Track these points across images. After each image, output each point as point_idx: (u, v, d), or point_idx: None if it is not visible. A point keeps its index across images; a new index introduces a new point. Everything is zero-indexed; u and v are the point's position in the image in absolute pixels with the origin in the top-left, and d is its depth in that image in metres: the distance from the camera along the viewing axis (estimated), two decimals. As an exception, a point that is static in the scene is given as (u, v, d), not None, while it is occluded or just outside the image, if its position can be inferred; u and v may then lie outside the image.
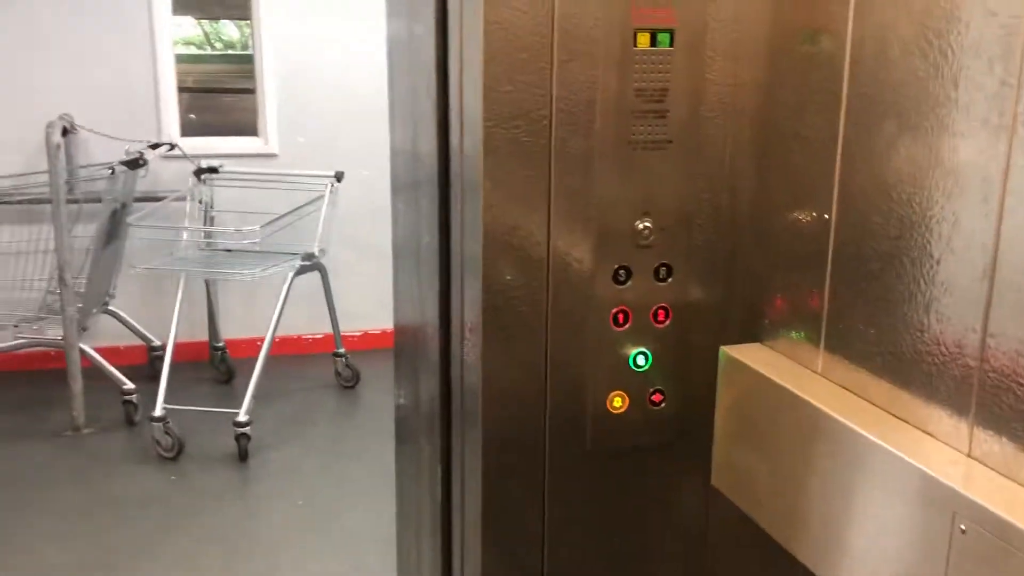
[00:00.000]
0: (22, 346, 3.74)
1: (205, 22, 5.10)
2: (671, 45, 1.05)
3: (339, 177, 3.74)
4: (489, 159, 1.03)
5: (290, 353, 4.31)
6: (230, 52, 5.31)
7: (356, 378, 4.11)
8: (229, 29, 5.31)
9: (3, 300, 3.79)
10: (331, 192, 3.71)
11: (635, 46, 1.04)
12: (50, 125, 3.36)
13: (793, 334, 1.05)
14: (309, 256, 3.66)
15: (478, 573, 1.15)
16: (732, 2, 1.06)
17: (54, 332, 3.61)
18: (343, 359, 4.11)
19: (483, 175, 1.04)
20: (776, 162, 1.07)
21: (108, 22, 3.96)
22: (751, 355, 1.05)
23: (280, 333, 3.67)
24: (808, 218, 1.02)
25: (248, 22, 4.30)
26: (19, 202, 3.79)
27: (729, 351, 1.08)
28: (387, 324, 5.06)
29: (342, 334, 4.11)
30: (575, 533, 1.15)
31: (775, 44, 1.06)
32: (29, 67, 3.91)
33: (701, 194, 1.10)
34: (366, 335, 4.48)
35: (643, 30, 1.04)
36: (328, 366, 4.16)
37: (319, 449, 3.53)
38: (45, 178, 3.52)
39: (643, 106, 1.06)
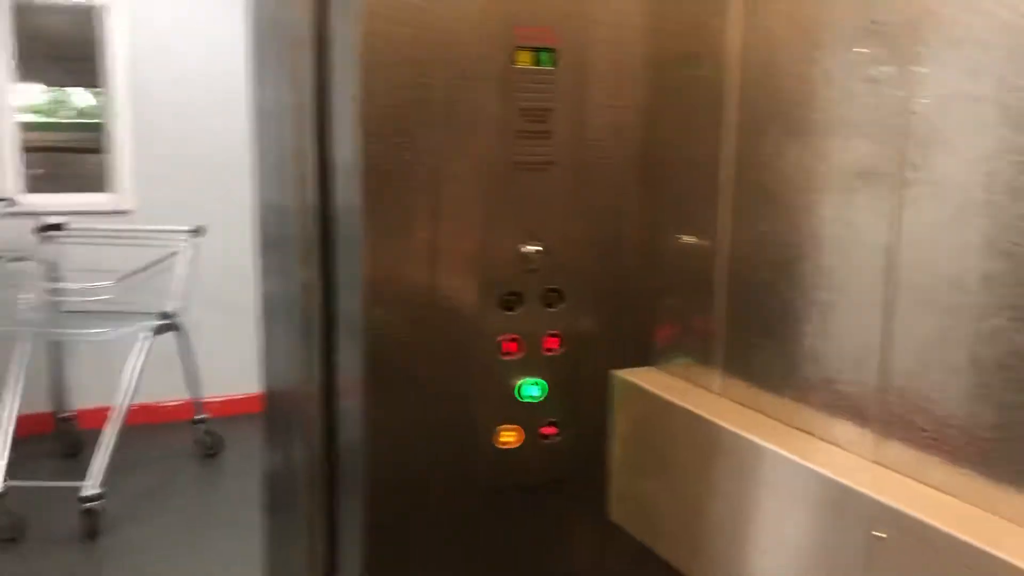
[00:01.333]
0: None
1: (55, 89, 4.83)
2: (554, 65, 1.03)
3: (198, 231, 3.56)
4: (368, 187, 0.97)
5: (145, 422, 4.03)
6: (81, 121, 5.04)
7: (219, 446, 3.87)
8: (79, 96, 5.05)
9: None
10: (188, 247, 3.53)
11: (516, 64, 1.02)
12: None
13: (687, 356, 1.02)
14: (166, 315, 3.45)
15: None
16: (613, 24, 1.05)
17: None
18: (204, 426, 3.87)
19: (361, 206, 0.97)
20: (661, 183, 1.06)
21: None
22: (646, 378, 1.02)
23: (135, 400, 3.43)
24: (696, 239, 1.01)
25: (97, 89, 4.11)
26: None
27: (623, 375, 1.04)
28: (251, 388, 4.80)
29: (203, 400, 3.88)
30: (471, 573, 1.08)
31: (655, 66, 1.05)
32: None
33: (587, 216, 1.07)
34: (228, 400, 4.25)
35: (524, 48, 1.02)
36: (188, 434, 3.91)
37: (180, 522, 3.29)
38: None
39: (526, 126, 1.03)
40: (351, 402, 1.07)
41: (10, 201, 3.67)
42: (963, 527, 0.63)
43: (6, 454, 3.12)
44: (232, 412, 4.29)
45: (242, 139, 4.41)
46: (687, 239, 1.02)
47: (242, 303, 4.06)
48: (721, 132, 0.95)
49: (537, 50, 1.02)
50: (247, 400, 4.23)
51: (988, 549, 0.60)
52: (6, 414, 3.21)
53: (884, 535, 0.68)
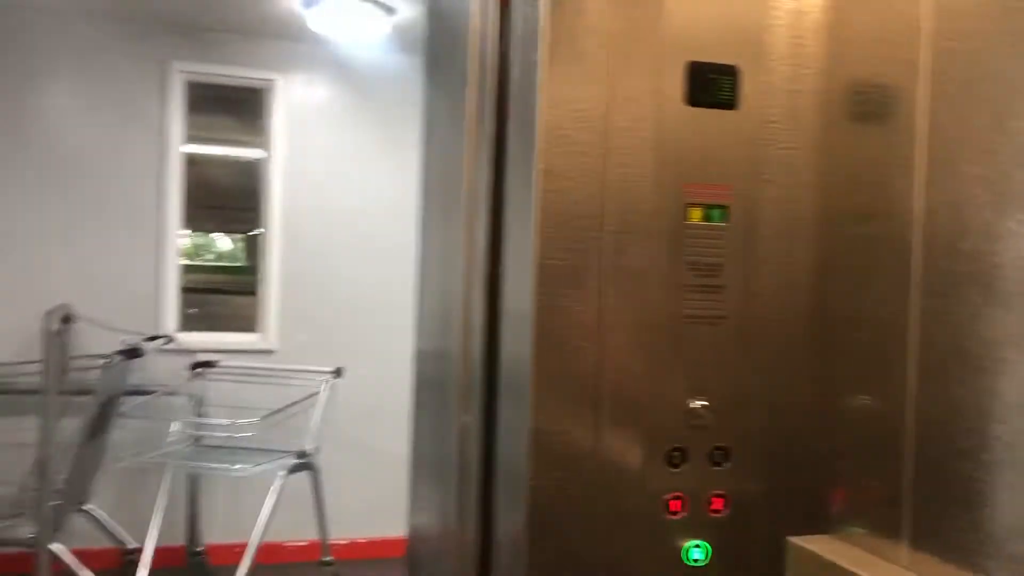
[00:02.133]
0: (-12, 546, 3.51)
1: (199, 235, 5.20)
2: (725, 221, 1.04)
3: (338, 373, 3.68)
4: (538, 341, 0.98)
5: (270, 562, 4.06)
6: (222, 264, 5.39)
7: (341, 589, 3.85)
8: (222, 242, 5.43)
9: (-25, 496, 3.59)
10: (327, 388, 3.64)
11: (687, 220, 1.03)
12: (49, 313, 3.33)
13: (867, 525, 0.96)
14: (302, 454, 3.53)
15: None
16: (784, 184, 1.05)
17: (25, 530, 3.39)
18: (331, 568, 3.86)
19: (532, 361, 0.99)
20: (836, 342, 1.03)
21: (116, 219, 4.03)
22: (825, 548, 0.96)
23: (264, 539, 3.47)
24: (876, 400, 0.96)
25: (243, 236, 4.41)
26: (6, 392, 3.69)
27: (800, 543, 0.99)
28: (378, 532, 4.78)
29: (330, 542, 3.89)
30: None
31: (828, 223, 1.05)
32: (35, 259, 3.94)
33: (757, 372, 1.05)
34: (354, 543, 4.25)
35: (695, 205, 1.03)
36: (314, 575, 3.91)
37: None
38: (34, 368, 3.44)
39: (696, 280, 1.03)
40: (509, 557, 1.04)
41: (169, 339, 3.90)
42: None
43: (142, 587, 3.18)
44: (358, 555, 4.28)
45: (379, 285, 4.58)
46: (866, 400, 0.98)
47: (372, 444, 4.14)
48: (905, 291, 0.92)
49: (708, 207, 1.03)
50: (372, 544, 4.22)
51: None
52: (149, 549, 3.30)
53: None
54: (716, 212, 1.04)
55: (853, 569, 0.88)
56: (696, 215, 1.03)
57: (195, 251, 5.19)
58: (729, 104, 1.03)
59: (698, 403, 1.03)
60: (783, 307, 1.05)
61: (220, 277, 5.22)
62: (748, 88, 1.04)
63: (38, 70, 4.00)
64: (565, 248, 0.99)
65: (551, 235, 0.98)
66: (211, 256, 5.26)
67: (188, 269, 4.43)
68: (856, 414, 0.98)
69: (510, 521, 1.05)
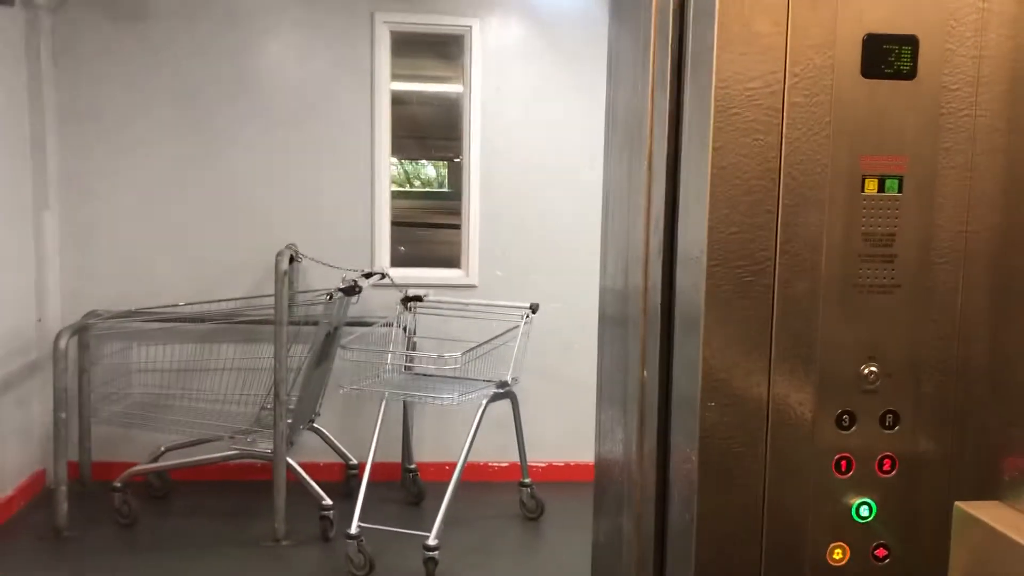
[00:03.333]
0: (234, 457, 4.00)
1: (407, 163, 5.52)
2: (900, 191, 1.05)
3: (534, 309, 3.85)
4: (710, 299, 1.05)
5: (475, 480, 4.36)
6: (430, 191, 5.70)
7: (540, 510, 4.09)
8: (427, 169, 5.72)
9: (221, 412, 4.09)
10: (526, 323, 3.83)
11: (863, 191, 1.05)
12: (279, 253, 3.69)
13: (1038, 494, 0.98)
14: (503, 384, 3.75)
15: None
16: (965, 150, 1.05)
17: (264, 445, 3.85)
18: (529, 490, 4.11)
19: (704, 314, 1.06)
20: (1016, 311, 1.03)
21: (332, 160, 4.36)
22: (992, 514, 0.98)
23: (468, 459, 3.74)
24: (1055, 370, 0.97)
25: (445, 163, 4.61)
26: (245, 322, 4.14)
27: (966, 508, 1.01)
28: (572, 456, 5.00)
29: (528, 465, 4.13)
30: None
31: (1014, 191, 1.03)
32: (262, 199, 4.34)
33: (930, 341, 1.07)
34: (550, 466, 4.48)
35: (871, 176, 1.05)
36: (512, 495, 4.18)
37: (501, 580, 3.51)
38: (269, 301, 3.84)
39: (870, 250, 1.06)
40: (683, 486, 1.13)
41: (383, 275, 4.21)
42: None
43: (361, 500, 3.54)
44: (553, 478, 4.52)
45: (571, 223, 4.68)
46: (1044, 371, 0.98)
47: (567, 375, 4.32)
48: (1086, 264, 0.91)
49: (884, 177, 1.05)
50: (567, 468, 4.44)
51: None
52: (368, 465, 3.65)
53: None
54: (891, 182, 1.05)
55: (1013, 536, 0.91)
56: (871, 186, 1.05)
57: (404, 178, 5.49)
58: (908, 74, 1.03)
59: (870, 369, 1.07)
60: (960, 276, 1.06)
61: (427, 204, 5.52)
62: (927, 57, 1.03)
63: (260, 29, 4.35)
64: (737, 222, 1.04)
65: (723, 212, 1.04)
66: (418, 183, 5.56)
67: (397, 195, 4.72)
68: (1032, 385, 0.99)
69: (683, 455, 1.13)
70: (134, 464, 4.07)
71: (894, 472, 1.07)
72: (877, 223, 1.05)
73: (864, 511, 1.07)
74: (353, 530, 3.47)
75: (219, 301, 4.21)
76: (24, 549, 3.68)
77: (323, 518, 3.81)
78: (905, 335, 1.06)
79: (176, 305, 4.19)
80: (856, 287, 1.06)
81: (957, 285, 1.06)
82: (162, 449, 4.13)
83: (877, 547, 1.08)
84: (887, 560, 1.07)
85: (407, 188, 5.59)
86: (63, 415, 3.76)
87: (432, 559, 3.43)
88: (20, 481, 4.12)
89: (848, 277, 1.06)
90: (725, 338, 1.06)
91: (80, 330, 4.09)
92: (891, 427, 1.07)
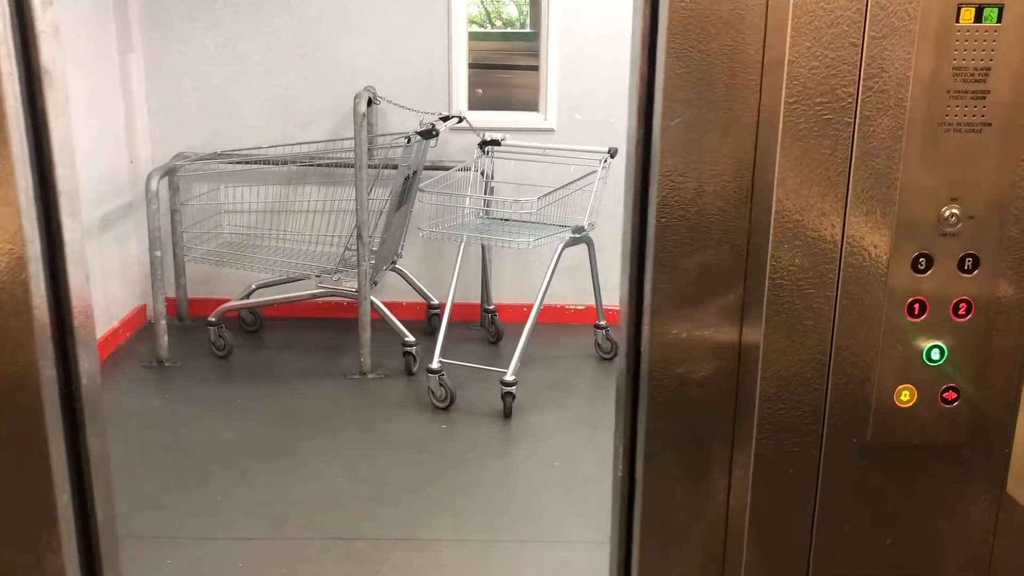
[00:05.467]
0: (321, 295, 4.17)
1: (487, 1, 5.36)
2: (998, 21, 0.98)
3: (612, 153, 3.80)
4: (786, 137, 1.02)
5: (552, 321, 4.46)
6: (510, 31, 5.55)
7: (615, 350, 4.18)
8: (509, 8, 5.54)
9: (308, 252, 4.24)
10: (604, 168, 3.78)
11: (957, 21, 0.99)
12: (357, 96, 3.70)
13: (1120, 340, 0.95)
14: (579, 229, 3.76)
15: (741, 562, 1.16)
16: (1075, -26, 0.97)
17: (349, 284, 3.99)
18: (604, 331, 4.19)
19: (779, 154, 1.03)
20: (1115, 150, 0.97)
21: (409, 2, 4.27)
22: (1067, 359, 0.97)
23: (545, 301, 3.81)
24: None
25: (528, 2, 4.46)
26: (326, 165, 4.21)
27: (1041, 352, 1.00)
28: (649, 300, 5.01)
29: (604, 307, 4.19)
30: (846, 530, 1.13)
31: (1126, 19, 0.96)
32: (339, 43, 4.31)
33: (1018, 182, 1.02)
34: (627, 310, 4.55)
35: (968, 5, 0.98)
36: (588, 337, 4.27)
37: (577, 417, 3.65)
38: (349, 144, 3.88)
39: (960, 86, 1.00)
40: (751, 324, 1.13)
41: (461, 118, 4.19)
42: None
43: (442, 338, 3.67)
44: (628, 321, 4.58)
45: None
46: None
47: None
48: None
49: (982, 6, 0.98)
50: (643, 312, 4.49)
51: None
52: (448, 305, 3.76)
53: None
54: (990, 11, 0.98)
55: (1086, 382, 0.90)
56: (967, 15, 0.99)
57: (486, 18, 5.35)
58: None
59: (952, 211, 1.03)
60: (1057, 112, 1.00)
61: (507, 45, 5.38)
62: None
63: None
64: (819, 56, 1.00)
65: (805, 46, 0.99)
66: (499, 23, 5.41)
67: (476, 36, 4.62)
68: (1125, 229, 0.95)
69: (754, 290, 1.13)
70: (227, 300, 4.28)
71: (969, 316, 1.05)
72: (970, 56, 0.99)
73: (935, 354, 1.06)
74: (435, 365, 3.63)
75: (302, 144, 4.27)
76: (131, 376, 3.96)
77: (407, 354, 3.98)
78: (992, 176, 1.02)
79: (260, 148, 4.27)
80: (943, 125, 1.01)
81: (1053, 123, 1.00)
82: (253, 287, 4.33)
83: (947, 390, 1.07)
84: (956, 403, 1.07)
85: (487, 28, 5.45)
86: (158, 253, 3.95)
87: (510, 394, 3.57)
88: (124, 314, 4.39)
89: (935, 114, 1.01)
90: (800, 179, 1.03)
91: (169, 172, 4.22)
92: (970, 271, 1.04)
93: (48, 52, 1.06)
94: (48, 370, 1.09)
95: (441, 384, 3.59)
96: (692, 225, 1.12)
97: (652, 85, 1.12)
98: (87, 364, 1.15)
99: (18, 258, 1.04)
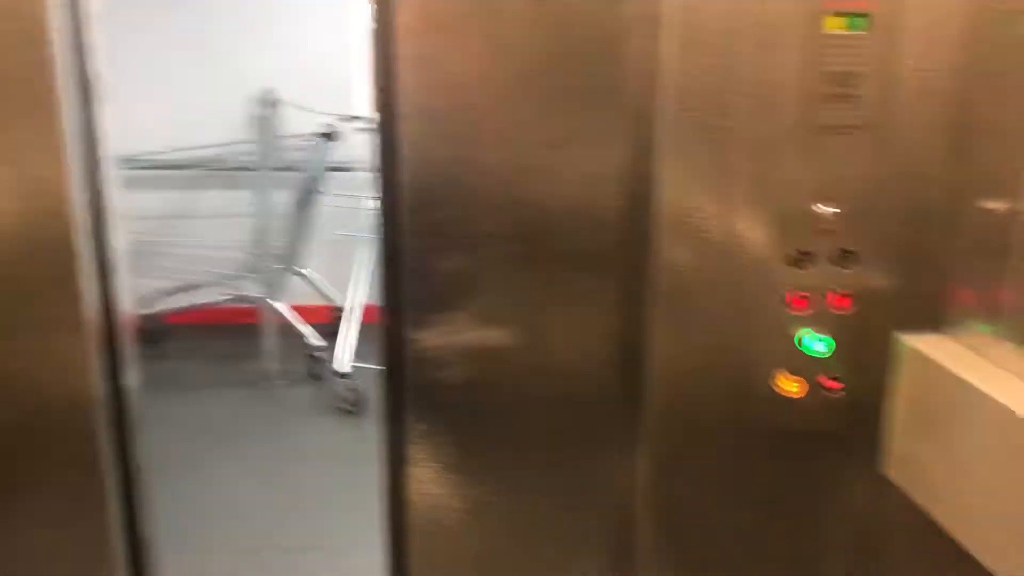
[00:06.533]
0: (224, 302, 4.08)
1: None
2: (865, 29, 1.04)
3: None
4: (670, 146, 1.06)
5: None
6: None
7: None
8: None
9: (210, 258, 4.14)
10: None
11: (826, 29, 1.04)
12: (258, 98, 3.64)
13: (981, 326, 1.02)
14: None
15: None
16: (933, -13, 1.03)
17: (253, 290, 3.92)
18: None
19: (662, 162, 1.07)
20: (971, 151, 1.04)
21: (311, 2, 4.21)
22: (932, 346, 1.03)
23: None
24: (998, 209, 0.99)
25: None
26: (226, 169, 4.12)
27: (909, 341, 1.06)
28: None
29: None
30: (732, 517, 1.18)
31: (974, 28, 1.02)
32: (238, 44, 4.22)
33: (888, 181, 1.09)
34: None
35: (836, 13, 1.04)
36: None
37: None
38: (250, 147, 3.81)
39: (832, 90, 1.06)
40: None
41: (364, 119, 4.15)
42: None
43: (350, 341, 3.64)
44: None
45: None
46: (990, 204, 1.00)
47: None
48: (1040, 102, 0.92)
49: (850, 15, 1.04)
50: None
51: None
52: (357, 308, 3.73)
53: None
54: (858, 20, 1.04)
55: (947, 366, 0.96)
56: (836, 24, 1.04)
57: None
58: (878, -95, 1.00)
59: (827, 209, 1.09)
60: (920, 115, 1.06)
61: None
62: None
63: None
64: (702, 65, 1.04)
65: (688, 57, 1.03)
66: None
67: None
68: (978, 221, 1.01)
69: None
70: (126, 310, 4.13)
71: (848, 308, 1.11)
72: (841, 62, 1.05)
73: (817, 346, 1.12)
74: (345, 369, 3.59)
75: (201, 148, 4.17)
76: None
77: (314, 358, 3.92)
78: (863, 175, 1.08)
79: (158, 152, 4.15)
80: (816, 128, 1.06)
81: (918, 126, 1.06)
82: (155, 295, 4.20)
83: (829, 378, 1.13)
84: (839, 392, 1.13)
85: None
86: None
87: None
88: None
89: (809, 118, 1.06)
90: (685, 180, 1.07)
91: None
92: (845, 265, 1.10)
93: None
94: (99, 386, 1.09)
95: (352, 388, 3.56)
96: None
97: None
98: (132, 378, 1.17)
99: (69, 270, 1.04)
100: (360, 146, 4.25)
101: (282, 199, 3.98)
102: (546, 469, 1.18)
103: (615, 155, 1.09)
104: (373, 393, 3.80)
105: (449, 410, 1.16)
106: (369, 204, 3.95)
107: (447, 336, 1.13)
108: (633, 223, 1.14)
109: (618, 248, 1.15)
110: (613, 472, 1.25)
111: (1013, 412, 0.86)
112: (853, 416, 1.14)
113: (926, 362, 1.02)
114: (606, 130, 1.09)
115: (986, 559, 0.91)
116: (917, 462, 1.05)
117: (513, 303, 1.12)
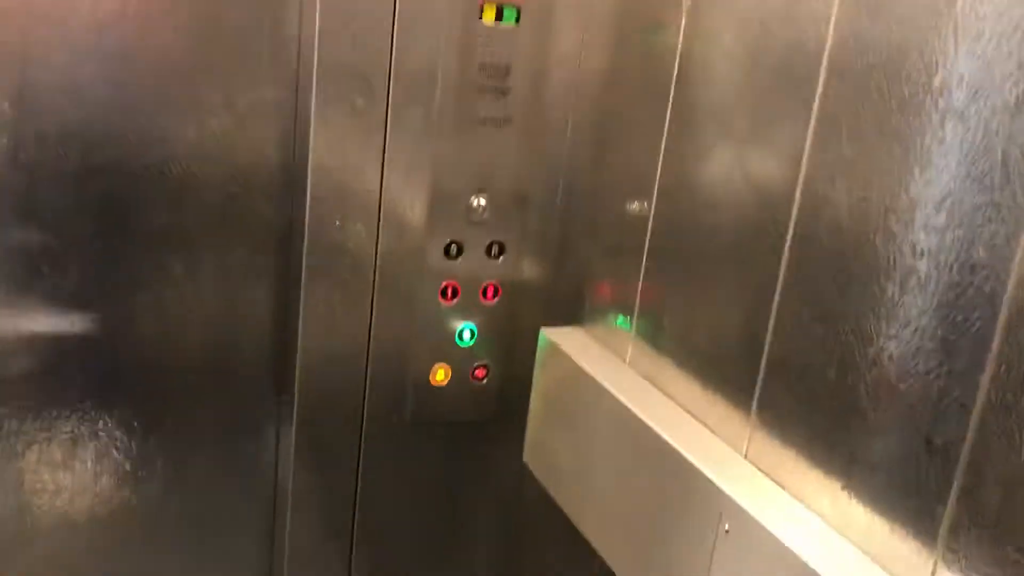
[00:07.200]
0: None
1: None
2: (517, 22, 1.04)
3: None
4: (320, 124, 1.00)
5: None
6: None
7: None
8: None
9: None
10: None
11: (480, 19, 1.03)
12: None
13: (612, 320, 1.07)
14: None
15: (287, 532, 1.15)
16: (582, -13, 1.05)
17: None
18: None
19: (314, 141, 1.01)
20: (611, 152, 1.08)
21: None
22: (567, 338, 1.07)
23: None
24: (633, 209, 1.03)
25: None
26: None
27: (548, 333, 1.09)
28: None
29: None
30: (389, 504, 1.16)
31: (621, 34, 1.06)
32: None
33: (538, 176, 1.10)
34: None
35: (490, 4, 1.03)
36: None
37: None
38: None
39: (486, 82, 1.05)
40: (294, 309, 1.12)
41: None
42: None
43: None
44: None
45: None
46: (627, 207, 1.05)
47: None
48: (664, 107, 0.97)
49: (501, 6, 1.03)
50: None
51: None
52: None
53: (728, 528, 0.74)
54: (510, 11, 1.04)
55: (575, 358, 1.00)
56: (489, 15, 1.03)
57: None
58: (530, -100, 1.00)
59: (479, 201, 1.09)
60: (569, 113, 1.09)
61: None
62: None
63: None
64: (350, 45, 0.98)
65: (334, 40, 0.98)
66: None
67: None
68: (615, 219, 1.06)
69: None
70: None
71: (496, 299, 1.12)
72: (494, 54, 1.04)
73: (466, 335, 1.12)
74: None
75: None
76: None
77: None
78: (513, 168, 1.09)
79: None
80: (470, 119, 1.05)
81: (566, 124, 1.09)
82: None
83: (477, 368, 1.14)
84: (486, 380, 1.14)
85: None
86: None
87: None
88: None
89: (464, 109, 1.05)
90: (335, 164, 1.02)
91: None
92: (496, 256, 1.11)
93: None
94: None
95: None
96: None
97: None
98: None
99: None
100: None
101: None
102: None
103: (272, 127, 1.01)
104: None
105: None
106: None
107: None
108: (285, 200, 1.08)
109: (273, 227, 1.09)
110: (261, 460, 1.19)
111: (628, 408, 0.90)
112: (498, 405, 1.16)
113: (560, 354, 1.05)
114: (260, 101, 1.02)
115: (604, 554, 0.95)
116: (549, 451, 1.09)
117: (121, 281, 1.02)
